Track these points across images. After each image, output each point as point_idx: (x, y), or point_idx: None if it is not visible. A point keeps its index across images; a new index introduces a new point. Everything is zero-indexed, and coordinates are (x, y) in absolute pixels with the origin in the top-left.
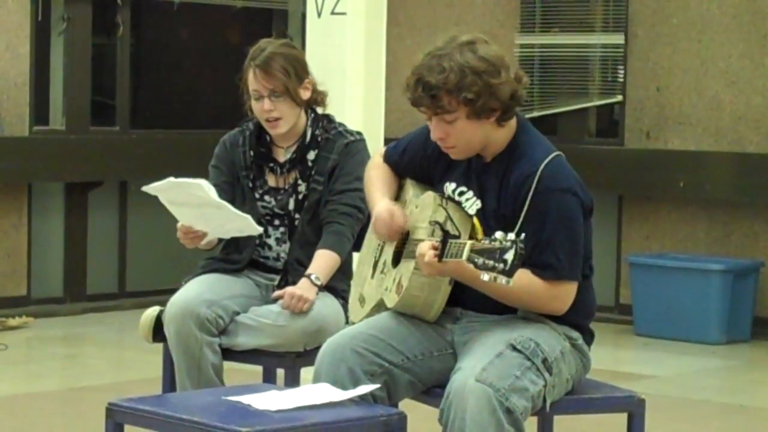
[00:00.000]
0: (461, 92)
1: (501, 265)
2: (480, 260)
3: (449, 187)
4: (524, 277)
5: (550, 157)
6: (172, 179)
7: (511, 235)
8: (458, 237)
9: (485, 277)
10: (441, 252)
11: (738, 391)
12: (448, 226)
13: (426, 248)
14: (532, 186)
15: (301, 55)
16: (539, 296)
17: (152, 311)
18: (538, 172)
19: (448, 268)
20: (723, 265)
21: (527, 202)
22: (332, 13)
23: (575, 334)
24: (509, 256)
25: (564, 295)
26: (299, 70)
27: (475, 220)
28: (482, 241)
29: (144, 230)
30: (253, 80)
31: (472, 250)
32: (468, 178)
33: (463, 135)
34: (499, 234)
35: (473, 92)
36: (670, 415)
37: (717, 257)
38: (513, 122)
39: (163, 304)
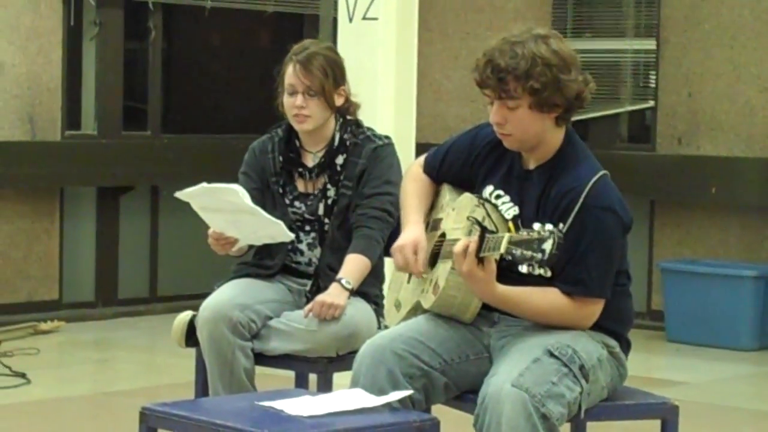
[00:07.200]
0: (529, 80)
1: (539, 255)
2: (518, 251)
3: (487, 190)
4: (553, 295)
5: (596, 177)
6: (205, 185)
7: (549, 226)
8: (496, 232)
9: (524, 268)
10: (479, 247)
11: None
12: (486, 223)
13: (464, 243)
14: (577, 203)
15: (341, 62)
16: (566, 313)
17: (185, 315)
18: (585, 191)
19: (483, 274)
20: (755, 271)
21: (571, 218)
22: (364, 18)
23: (612, 342)
24: (547, 245)
25: (590, 313)
26: (338, 74)
27: (511, 225)
28: (520, 233)
29: (175, 234)
30: (291, 74)
31: (510, 242)
32: (508, 183)
33: (522, 124)
34: (537, 225)
35: (540, 82)
36: (702, 421)
37: (749, 263)
38: (562, 131)
39: (195, 308)
